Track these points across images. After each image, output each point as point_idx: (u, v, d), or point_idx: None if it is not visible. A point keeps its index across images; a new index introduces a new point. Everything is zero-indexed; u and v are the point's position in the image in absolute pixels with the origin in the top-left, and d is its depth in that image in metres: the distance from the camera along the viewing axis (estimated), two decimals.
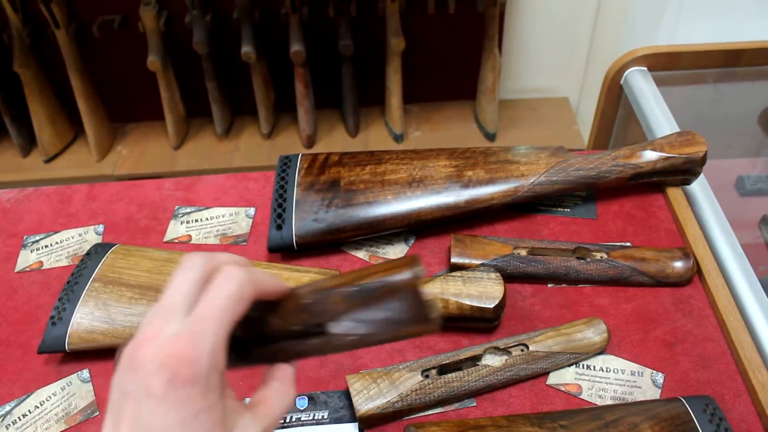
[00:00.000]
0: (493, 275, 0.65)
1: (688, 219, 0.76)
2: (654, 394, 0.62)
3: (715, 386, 0.63)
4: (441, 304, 0.63)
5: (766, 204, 1.04)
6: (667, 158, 0.76)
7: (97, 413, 0.63)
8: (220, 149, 1.76)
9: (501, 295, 0.63)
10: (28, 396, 0.65)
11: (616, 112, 1.13)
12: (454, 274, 0.65)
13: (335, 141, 1.78)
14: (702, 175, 0.80)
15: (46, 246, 0.79)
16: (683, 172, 0.78)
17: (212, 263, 0.37)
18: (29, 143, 1.80)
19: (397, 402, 0.59)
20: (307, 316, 0.40)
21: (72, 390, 0.65)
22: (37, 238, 0.80)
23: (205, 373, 0.33)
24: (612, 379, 0.63)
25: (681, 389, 0.62)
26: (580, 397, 0.62)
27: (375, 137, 1.80)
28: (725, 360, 0.65)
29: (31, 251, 0.79)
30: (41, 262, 0.77)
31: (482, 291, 0.64)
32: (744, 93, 1.14)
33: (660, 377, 0.63)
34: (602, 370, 0.64)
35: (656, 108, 0.97)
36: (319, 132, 1.79)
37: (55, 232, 0.80)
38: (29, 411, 0.64)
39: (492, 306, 0.63)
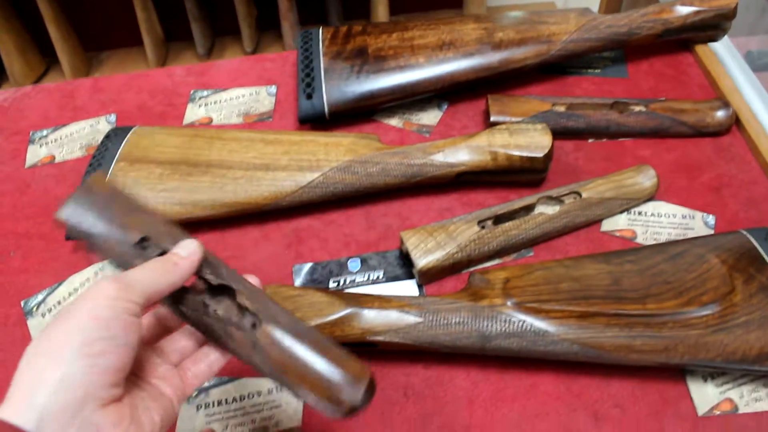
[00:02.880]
0: (539, 126, 0.63)
1: (721, 73, 0.75)
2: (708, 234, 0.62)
3: (766, 223, 0.62)
4: (489, 156, 0.61)
5: None
6: (698, 12, 0.74)
7: None
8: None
9: (550, 144, 0.62)
10: (60, 284, 0.62)
11: None
12: (499, 126, 0.63)
13: None
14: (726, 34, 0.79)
15: (56, 140, 0.74)
16: (712, 27, 0.76)
17: None
18: None
19: (456, 253, 0.57)
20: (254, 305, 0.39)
21: (106, 274, 0.62)
22: (45, 132, 0.75)
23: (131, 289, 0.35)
24: (665, 223, 0.62)
25: (733, 228, 0.62)
26: (636, 241, 0.61)
27: None
28: None
29: (40, 146, 0.74)
30: (53, 155, 0.73)
31: (530, 141, 0.62)
32: None
33: (711, 219, 0.63)
34: (654, 215, 0.63)
35: None
36: None
37: (64, 125, 0.75)
38: (63, 298, 0.61)
39: (542, 155, 0.61)
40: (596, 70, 0.77)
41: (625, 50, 0.79)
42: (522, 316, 0.51)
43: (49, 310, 0.60)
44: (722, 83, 0.74)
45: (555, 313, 0.51)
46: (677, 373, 0.53)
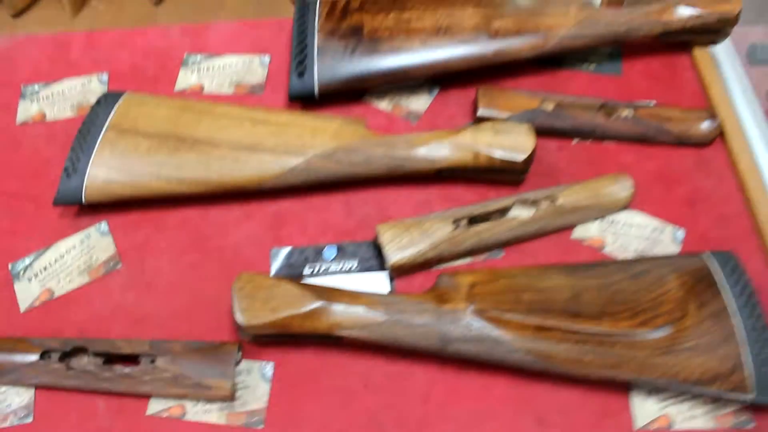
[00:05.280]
0: (524, 127, 0.64)
1: (713, 80, 0.75)
2: (675, 249, 0.63)
3: (732, 244, 0.64)
4: (471, 155, 0.62)
5: None
6: (699, 16, 0.73)
7: (120, 266, 0.63)
8: (203, 5, 1.66)
9: (532, 148, 0.63)
10: (47, 249, 0.64)
11: None
12: (485, 124, 0.64)
13: None
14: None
15: (48, 96, 0.75)
16: (713, 31, 0.75)
17: None
18: None
19: (428, 251, 0.59)
20: (149, 347, 0.55)
21: (92, 243, 0.64)
22: (37, 88, 0.75)
23: None
24: (634, 235, 0.64)
25: (700, 246, 0.63)
26: (604, 251, 0.63)
27: None
28: (743, 220, 0.66)
29: (32, 102, 0.74)
30: (44, 113, 0.74)
31: (513, 143, 0.63)
32: None
33: (681, 233, 0.64)
34: (626, 225, 0.65)
35: None
36: None
37: (56, 81, 0.76)
38: (50, 264, 0.63)
39: (522, 158, 0.62)
40: (591, 65, 0.77)
41: (623, 46, 0.78)
42: (482, 324, 0.54)
43: (36, 275, 0.62)
44: (713, 91, 0.74)
45: (513, 324, 0.54)
46: (623, 385, 0.56)
